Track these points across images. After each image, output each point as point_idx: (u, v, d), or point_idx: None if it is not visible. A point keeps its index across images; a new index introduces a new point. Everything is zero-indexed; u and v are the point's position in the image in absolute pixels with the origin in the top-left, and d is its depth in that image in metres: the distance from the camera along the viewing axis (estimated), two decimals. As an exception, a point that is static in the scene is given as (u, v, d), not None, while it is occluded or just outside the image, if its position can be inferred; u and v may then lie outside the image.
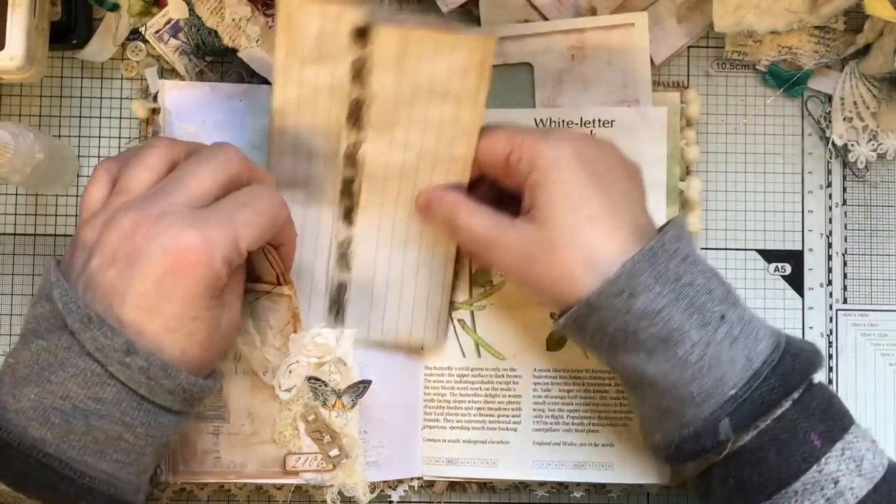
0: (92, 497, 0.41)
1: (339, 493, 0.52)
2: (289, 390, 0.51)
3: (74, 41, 0.55)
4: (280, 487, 0.54)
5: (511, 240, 0.47)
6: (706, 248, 0.57)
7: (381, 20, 0.47)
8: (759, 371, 0.44)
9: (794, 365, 0.44)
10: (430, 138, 0.50)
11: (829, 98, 0.58)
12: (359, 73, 0.48)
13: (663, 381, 0.44)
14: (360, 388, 0.52)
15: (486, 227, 0.48)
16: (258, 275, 0.50)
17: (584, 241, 0.45)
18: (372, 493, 0.55)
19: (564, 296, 0.45)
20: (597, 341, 0.46)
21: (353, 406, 0.52)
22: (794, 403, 0.44)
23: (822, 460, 0.43)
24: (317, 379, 0.51)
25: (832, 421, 0.45)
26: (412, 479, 0.55)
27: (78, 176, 0.56)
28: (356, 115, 0.49)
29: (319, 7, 0.47)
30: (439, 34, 0.47)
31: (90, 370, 0.40)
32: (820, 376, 0.47)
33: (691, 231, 0.55)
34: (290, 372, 0.51)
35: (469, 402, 0.55)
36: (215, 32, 0.53)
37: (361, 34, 0.47)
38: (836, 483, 0.43)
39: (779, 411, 0.44)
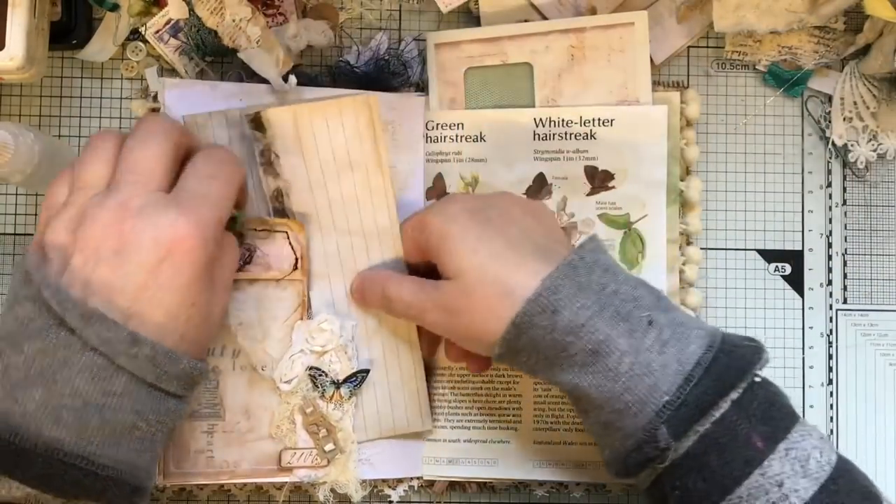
0: (117, 488, 0.41)
1: (332, 490, 0.52)
2: (289, 381, 0.51)
3: (74, 41, 0.55)
4: (280, 487, 0.54)
5: (435, 299, 0.47)
6: (706, 248, 0.57)
7: (267, 105, 0.51)
8: (692, 374, 0.42)
9: (728, 364, 0.43)
10: (354, 216, 0.52)
11: (829, 98, 0.58)
12: (269, 162, 0.52)
13: (599, 394, 0.43)
14: (359, 377, 0.52)
15: (413, 293, 0.48)
16: (270, 264, 0.51)
17: (495, 276, 0.45)
18: (371, 492, 0.55)
19: (494, 333, 0.45)
20: (532, 363, 0.45)
21: (350, 397, 0.52)
22: (733, 404, 0.43)
23: (765, 463, 0.42)
24: (317, 368, 0.52)
25: (774, 421, 0.43)
26: (412, 478, 0.55)
27: (78, 176, 0.56)
28: (281, 206, 0.52)
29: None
30: (322, 102, 0.51)
31: (97, 364, 0.40)
32: (763, 372, 0.44)
33: (692, 231, 0.55)
34: (293, 362, 0.52)
35: (469, 402, 0.55)
36: (215, 33, 0.53)
37: (257, 123, 0.51)
38: (780, 486, 0.41)
39: (717, 413, 0.42)
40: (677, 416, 0.42)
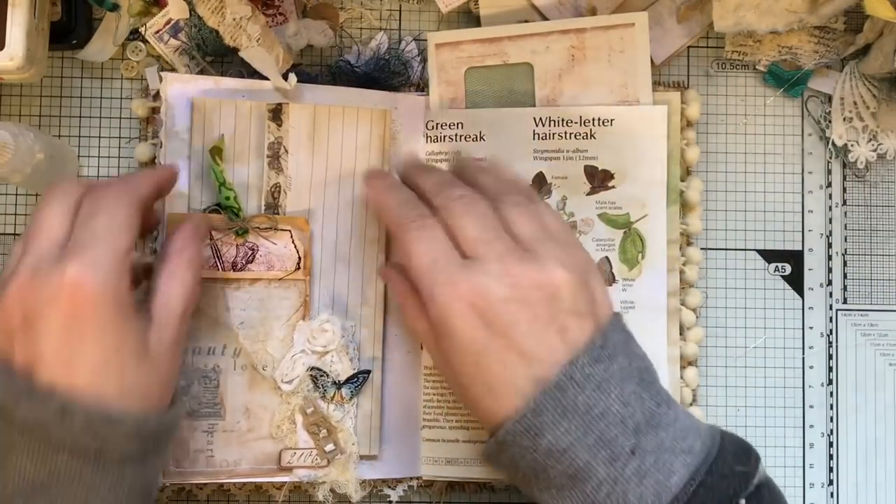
0: None
1: (332, 490, 0.52)
2: (290, 382, 0.51)
3: (74, 41, 0.55)
4: (279, 487, 0.54)
5: (433, 356, 0.47)
6: (706, 248, 0.57)
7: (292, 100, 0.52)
8: None
9: (708, 499, 0.41)
10: (345, 223, 0.53)
11: (829, 98, 0.58)
12: (276, 156, 0.52)
13: None
14: (360, 378, 0.52)
15: (423, 335, 0.47)
16: (272, 263, 0.51)
17: (485, 384, 0.43)
18: (371, 492, 0.55)
19: (485, 423, 0.44)
20: (512, 475, 0.45)
21: (351, 398, 0.52)
22: None
23: None
24: (318, 369, 0.52)
25: None
26: (411, 478, 0.55)
27: (78, 176, 0.56)
28: (275, 203, 0.52)
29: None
30: (343, 107, 0.53)
31: (34, 446, 0.39)
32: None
33: (692, 231, 0.55)
34: (294, 362, 0.52)
35: (469, 401, 0.55)
36: (216, 32, 0.53)
37: (276, 115, 0.52)
38: None
39: None
40: None
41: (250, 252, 0.52)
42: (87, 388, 0.39)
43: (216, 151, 0.52)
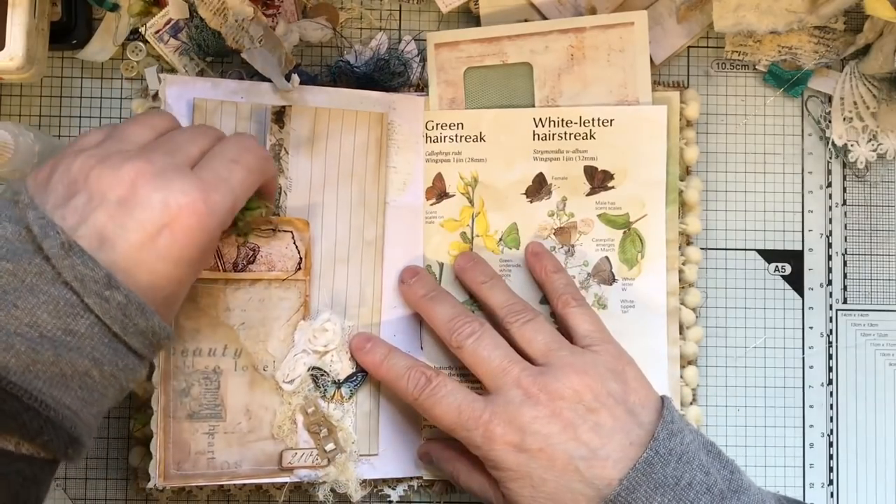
0: (55, 432, 0.38)
1: (332, 490, 0.52)
2: (291, 382, 0.52)
3: (74, 41, 0.55)
4: (279, 487, 0.54)
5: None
6: (706, 248, 0.57)
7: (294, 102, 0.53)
8: None
9: None
10: (344, 224, 0.53)
11: (829, 98, 0.58)
12: (276, 157, 0.52)
13: None
14: (359, 377, 0.52)
15: (482, 491, 0.50)
16: (273, 263, 0.51)
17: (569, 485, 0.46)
18: (371, 492, 0.55)
19: None
20: None
21: (350, 396, 0.52)
22: None
23: None
24: (319, 369, 0.52)
25: None
26: (412, 478, 0.55)
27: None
28: (276, 204, 0.53)
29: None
30: (342, 110, 0.53)
31: (64, 299, 0.38)
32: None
33: (691, 231, 0.55)
34: (295, 362, 0.52)
35: (469, 401, 0.55)
36: (218, 33, 0.53)
37: (279, 117, 0.52)
38: None
39: None
40: None
41: (251, 253, 0.52)
42: (132, 256, 0.40)
43: None
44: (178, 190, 0.40)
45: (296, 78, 0.52)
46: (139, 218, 0.40)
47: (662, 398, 0.48)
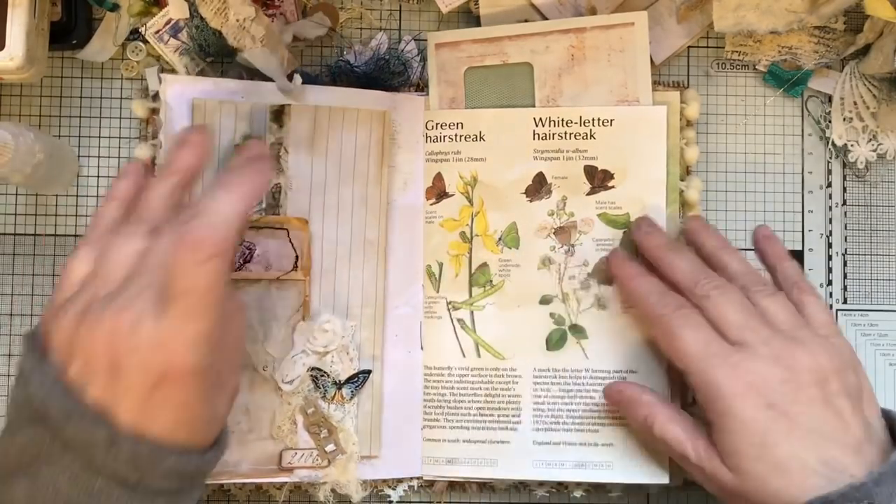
0: None
1: (333, 490, 0.52)
2: (291, 382, 0.51)
3: (74, 41, 0.55)
4: (279, 487, 0.54)
5: (703, 470, 0.47)
6: (706, 248, 0.57)
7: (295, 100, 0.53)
8: None
9: None
10: (345, 224, 0.53)
11: (829, 98, 0.58)
12: (276, 157, 0.52)
13: None
14: (361, 378, 0.52)
15: (678, 441, 0.48)
16: (269, 262, 0.51)
17: (777, 464, 0.44)
18: (371, 492, 0.55)
19: (770, 501, 0.44)
20: None
21: (351, 398, 0.52)
22: None
23: None
24: (318, 369, 0.52)
25: None
26: (412, 478, 0.55)
27: (78, 176, 0.56)
28: (276, 203, 0.53)
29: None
30: (343, 109, 0.53)
31: (76, 466, 0.38)
32: None
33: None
34: (294, 363, 0.52)
35: (469, 401, 0.55)
36: (219, 33, 0.53)
37: (278, 116, 0.52)
38: None
39: None
40: None
41: (247, 252, 0.52)
42: (137, 419, 0.39)
43: None
44: (157, 343, 0.38)
45: (298, 78, 0.52)
46: (128, 385, 0.39)
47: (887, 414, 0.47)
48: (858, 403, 0.46)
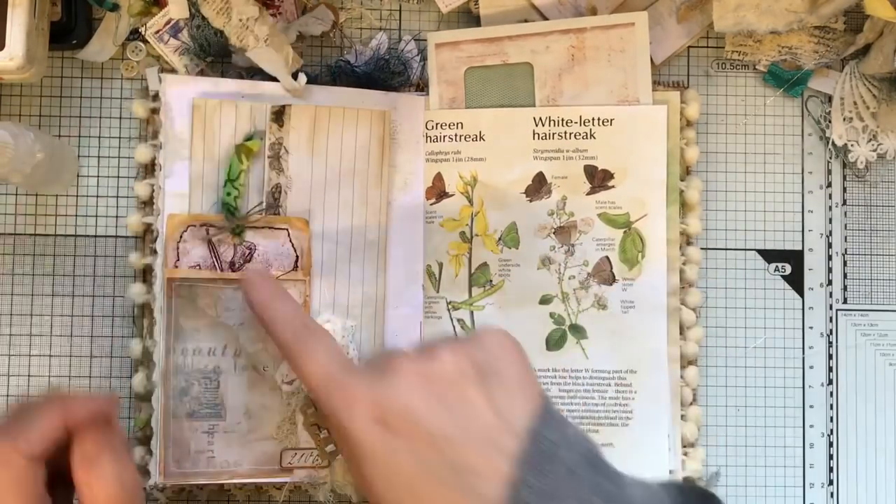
0: None
1: (333, 491, 0.52)
2: (291, 382, 0.51)
3: (74, 41, 0.55)
4: (279, 487, 0.54)
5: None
6: (706, 248, 0.57)
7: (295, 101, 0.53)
8: None
9: None
10: (346, 224, 0.53)
11: (829, 98, 0.58)
12: (276, 157, 0.52)
13: None
14: None
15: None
16: (269, 262, 0.51)
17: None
18: (372, 492, 0.55)
19: None
20: None
21: None
22: None
23: None
24: None
25: None
26: (412, 478, 0.55)
27: (78, 176, 0.56)
28: (276, 203, 0.52)
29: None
30: (343, 108, 0.53)
31: None
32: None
33: (691, 231, 0.55)
34: None
35: (469, 401, 0.55)
36: (220, 33, 0.53)
37: (278, 116, 0.52)
38: None
39: None
40: None
41: (248, 252, 0.52)
42: None
43: (245, 150, 0.52)
44: None
45: (302, 77, 0.52)
46: None
47: (543, 399, 0.41)
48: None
